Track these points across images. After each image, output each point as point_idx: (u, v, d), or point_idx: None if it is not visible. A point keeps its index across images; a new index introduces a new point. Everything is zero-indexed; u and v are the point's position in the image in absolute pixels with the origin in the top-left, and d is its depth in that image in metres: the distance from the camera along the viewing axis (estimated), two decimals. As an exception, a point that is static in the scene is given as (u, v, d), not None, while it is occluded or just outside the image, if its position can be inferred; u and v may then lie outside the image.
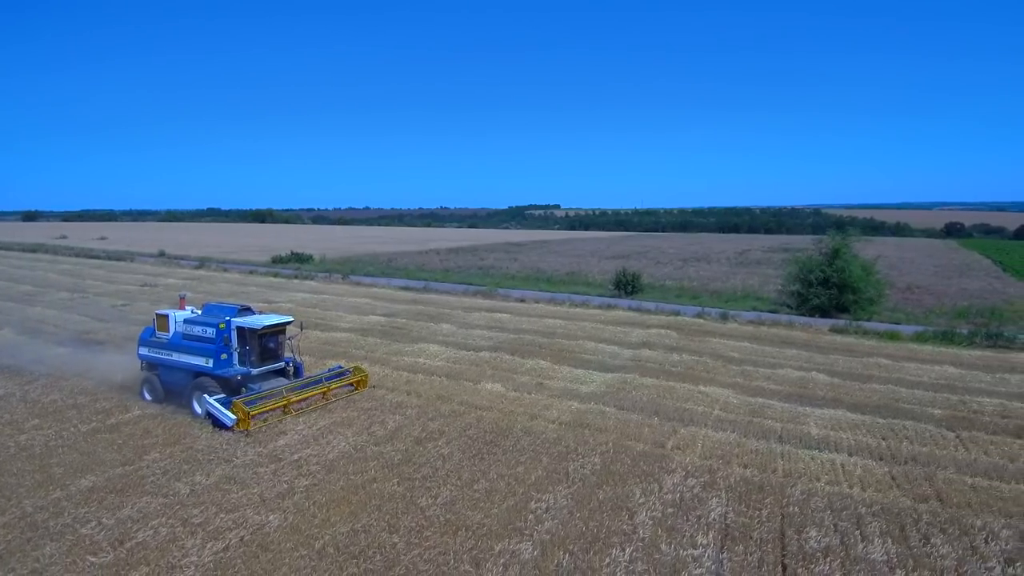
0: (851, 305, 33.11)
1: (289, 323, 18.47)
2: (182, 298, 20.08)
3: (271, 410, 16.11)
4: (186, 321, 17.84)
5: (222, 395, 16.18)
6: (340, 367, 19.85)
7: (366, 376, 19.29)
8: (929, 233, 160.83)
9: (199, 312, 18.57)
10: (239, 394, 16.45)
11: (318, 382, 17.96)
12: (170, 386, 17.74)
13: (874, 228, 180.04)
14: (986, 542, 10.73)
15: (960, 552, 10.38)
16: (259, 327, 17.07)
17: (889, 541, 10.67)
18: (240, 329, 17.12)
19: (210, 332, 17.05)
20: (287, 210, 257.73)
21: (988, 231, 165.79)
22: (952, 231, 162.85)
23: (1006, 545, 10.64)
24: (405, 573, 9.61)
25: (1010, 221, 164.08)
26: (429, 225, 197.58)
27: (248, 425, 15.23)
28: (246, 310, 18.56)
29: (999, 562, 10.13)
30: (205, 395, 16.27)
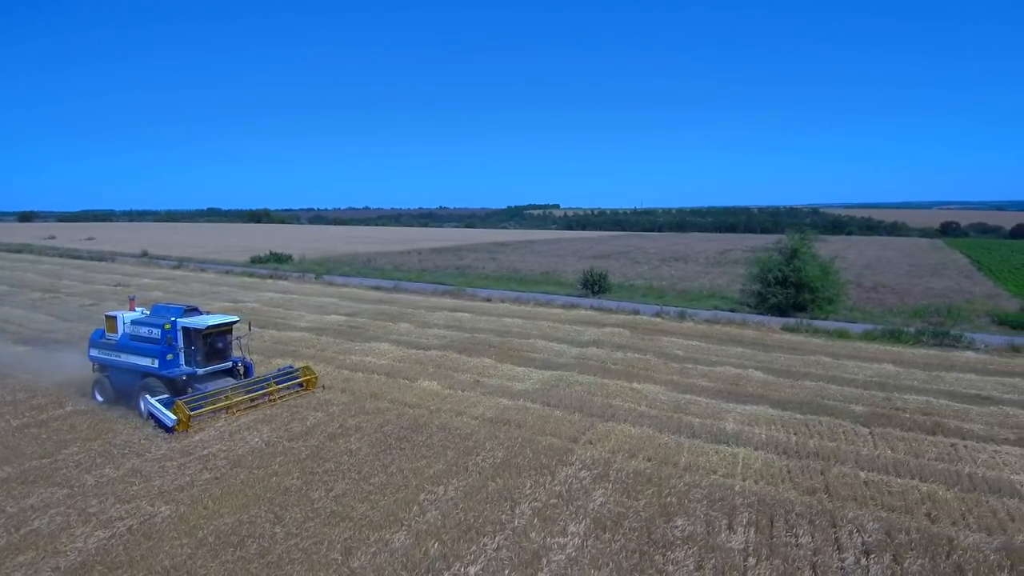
0: (808, 304, 33.47)
1: (235, 323, 18.79)
2: (131, 299, 20.43)
3: (213, 410, 16.41)
4: (133, 322, 18.15)
5: (165, 396, 16.42)
6: (291, 367, 20.14)
7: (315, 376, 19.54)
8: (925, 232, 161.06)
9: (148, 313, 18.92)
10: (185, 394, 16.76)
11: (265, 382, 18.21)
12: (120, 387, 18.00)
13: (870, 227, 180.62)
14: (850, 534, 11.11)
15: (819, 543, 10.76)
16: (203, 327, 17.40)
17: (753, 531, 11.07)
18: (185, 329, 17.45)
19: (156, 333, 17.35)
20: (287, 210, 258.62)
21: (985, 230, 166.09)
22: (948, 230, 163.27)
23: (868, 537, 11.01)
24: (276, 560, 10.02)
25: (1008, 220, 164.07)
26: (426, 225, 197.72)
27: (188, 426, 15.50)
28: (192, 310, 18.89)
29: (854, 553, 10.50)
30: (146, 395, 16.60)
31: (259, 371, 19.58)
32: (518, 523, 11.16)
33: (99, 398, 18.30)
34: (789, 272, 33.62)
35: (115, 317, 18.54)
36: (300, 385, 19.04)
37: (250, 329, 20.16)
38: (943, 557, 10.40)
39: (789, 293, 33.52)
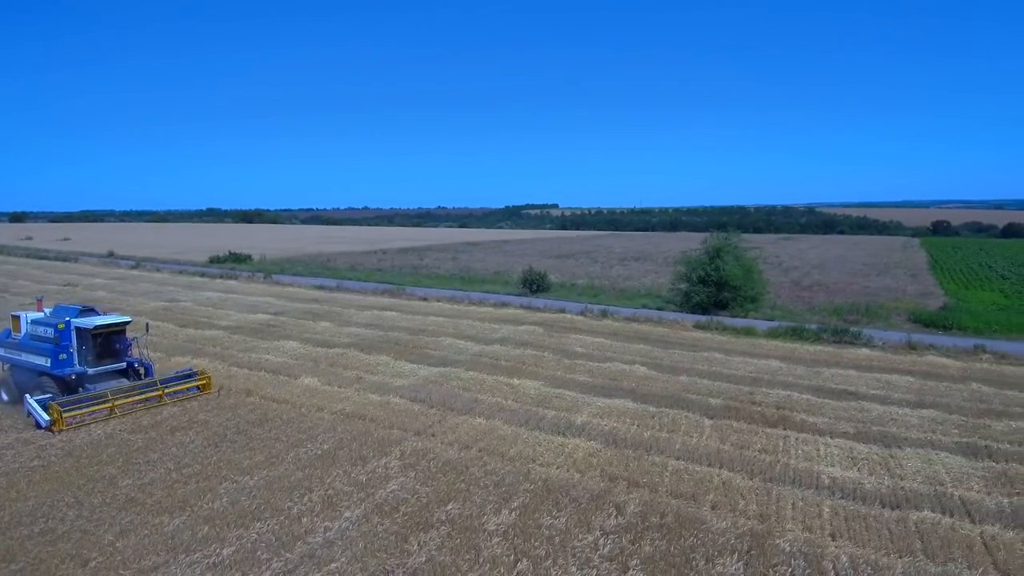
0: (730, 302, 34.15)
1: (127, 323, 19.34)
2: (39, 300, 21.04)
3: (91, 411, 16.65)
4: (33, 322, 18.79)
5: (47, 395, 16.78)
6: (190, 369, 20.36)
7: (210, 379, 19.67)
8: (917, 232, 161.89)
9: (49, 313, 19.51)
10: (76, 393, 17.24)
11: (154, 385, 18.19)
12: (21, 386, 18.38)
13: (862, 226, 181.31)
14: (607, 517, 11.77)
15: (571, 524, 11.42)
16: (91, 327, 18.07)
17: (517, 514, 11.73)
18: (78, 329, 18.12)
19: (49, 332, 18.01)
20: (286, 210, 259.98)
21: (979, 229, 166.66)
22: (939, 229, 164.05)
23: (622, 520, 11.68)
24: (53, 539, 10.74)
25: (1005, 219, 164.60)
26: (419, 225, 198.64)
27: (62, 425, 15.85)
28: (89, 311, 19.54)
29: (598, 533, 11.16)
30: (27, 395, 17.14)
31: (159, 369, 20.02)
32: (298, 509, 11.85)
33: (4, 397, 18.68)
34: (711, 271, 34.30)
35: (19, 317, 19.19)
36: (196, 387, 19.21)
37: (147, 330, 20.78)
38: (681, 540, 11.05)
39: (711, 291, 34.22)
